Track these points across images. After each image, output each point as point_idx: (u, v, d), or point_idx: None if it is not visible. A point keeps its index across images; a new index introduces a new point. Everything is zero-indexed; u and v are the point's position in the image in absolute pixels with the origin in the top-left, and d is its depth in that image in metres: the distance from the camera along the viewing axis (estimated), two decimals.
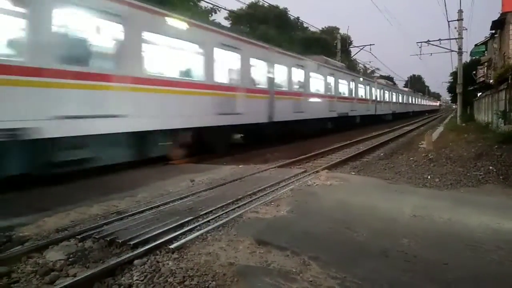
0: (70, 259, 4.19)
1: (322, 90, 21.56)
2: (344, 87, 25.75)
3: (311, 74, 19.88)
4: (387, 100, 40.29)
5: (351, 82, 27.12)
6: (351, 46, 48.75)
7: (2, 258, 4.14)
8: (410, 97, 60.36)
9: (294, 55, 18.42)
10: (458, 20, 28.86)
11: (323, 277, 3.62)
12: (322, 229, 4.92)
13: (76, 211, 5.75)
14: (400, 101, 49.50)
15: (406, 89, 62.18)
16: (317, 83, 21.03)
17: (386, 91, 39.50)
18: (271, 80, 15.66)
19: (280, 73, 16.73)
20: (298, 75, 18.47)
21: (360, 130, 25.88)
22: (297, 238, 4.58)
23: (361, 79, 30.58)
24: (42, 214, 5.57)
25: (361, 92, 30.20)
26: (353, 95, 27.76)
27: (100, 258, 4.21)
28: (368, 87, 32.08)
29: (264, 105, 15.02)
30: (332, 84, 23.38)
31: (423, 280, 3.57)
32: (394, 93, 44.84)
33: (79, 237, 4.69)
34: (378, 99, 35.40)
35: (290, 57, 17.77)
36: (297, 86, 18.46)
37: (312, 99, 19.91)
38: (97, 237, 4.66)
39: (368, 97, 32.10)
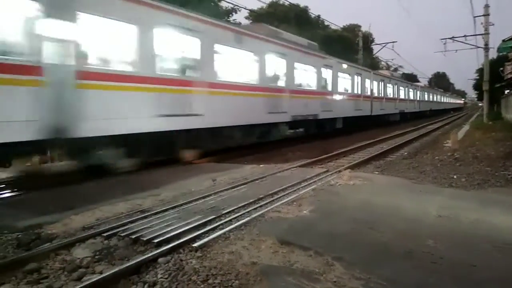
0: (96, 257, 4.28)
1: (252, 79, 12.88)
2: (307, 76, 17.01)
3: (221, 49, 11.29)
4: (391, 96, 31.88)
5: (323, 70, 18.26)
6: (373, 43, 48.03)
7: (32, 255, 4.27)
8: (426, 93, 51.40)
9: None
10: (484, 15, 28.04)
11: (347, 278, 3.58)
12: (345, 229, 4.87)
13: (101, 210, 5.87)
14: (412, 97, 40.64)
15: (421, 83, 52.91)
16: (241, 65, 12.42)
17: (389, 85, 30.94)
18: (53, 50, 7.06)
19: (93, 37, 8.00)
20: (168, 45, 9.71)
21: (383, 129, 25.38)
22: (320, 238, 4.55)
23: (345, 66, 21.31)
24: (69, 212, 5.71)
25: (345, 84, 21.45)
26: (329, 88, 19.10)
27: (125, 256, 4.29)
28: (359, 78, 23.59)
29: (26, 101, 6.68)
30: (282, 70, 14.67)
31: (450, 282, 3.49)
32: (402, 88, 36.01)
33: (104, 235, 4.79)
34: (377, 94, 27.45)
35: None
36: (173, 67, 9.92)
37: (220, 92, 11.17)
38: (122, 235, 4.75)
39: (359, 92, 23.70)
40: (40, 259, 4.19)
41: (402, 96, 35.71)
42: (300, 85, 16.23)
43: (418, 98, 43.72)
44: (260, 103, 13.22)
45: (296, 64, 15.64)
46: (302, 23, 43.04)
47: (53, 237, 4.88)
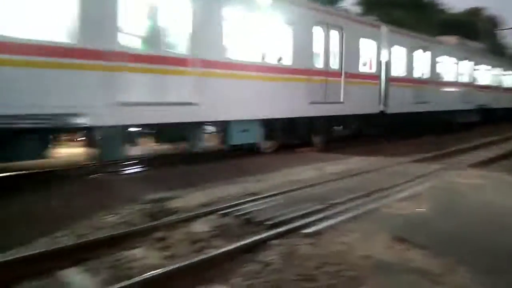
0: (213, 232, 4.58)
1: None
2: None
3: None
4: (453, 80, 18.09)
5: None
6: (500, 28, 42.47)
7: (159, 225, 4.74)
8: None
9: None
10: None
11: (470, 283, 3.30)
12: (467, 231, 4.46)
13: (217, 190, 6.27)
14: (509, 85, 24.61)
15: None
16: None
17: (442, 59, 16.96)
18: None
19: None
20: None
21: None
22: (439, 238, 4.25)
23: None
24: (188, 190, 6.23)
25: (273, 45, 9.66)
26: (186, 50, 7.79)
27: (239, 235, 4.50)
28: (336, 35, 11.27)
29: None
30: None
31: None
32: (484, 67, 21.33)
33: (220, 213, 5.10)
34: (406, 74, 14.67)
35: None
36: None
37: None
38: (235, 214, 5.01)
39: (333, 67, 11.28)
40: (165, 229, 4.63)
41: (482, 81, 20.96)
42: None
43: None
44: None
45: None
46: (417, 7, 40.05)
47: (175, 211, 5.37)
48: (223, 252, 3.80)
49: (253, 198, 5.74)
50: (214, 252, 3.84)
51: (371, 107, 12.79)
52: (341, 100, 11.34)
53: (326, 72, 10.93)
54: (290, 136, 10.62)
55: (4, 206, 5.35)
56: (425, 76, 15.69)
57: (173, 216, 5.12)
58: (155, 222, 4.83)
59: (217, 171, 7.72)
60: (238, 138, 8.98)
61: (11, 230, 4.62)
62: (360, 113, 12.43)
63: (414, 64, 14.99)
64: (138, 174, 8.06)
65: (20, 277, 3.45)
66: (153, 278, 3.24)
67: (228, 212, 5.10)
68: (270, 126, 9.76)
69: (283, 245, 4.04)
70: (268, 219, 4.77)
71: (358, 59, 12.19)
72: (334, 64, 11.27)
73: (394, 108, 13.53)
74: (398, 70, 14.13)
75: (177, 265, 3.49)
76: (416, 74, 15.16)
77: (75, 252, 3.90)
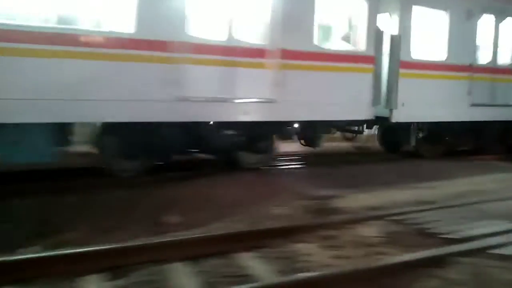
0: (382, 238, 4.29)
1: None
2: None
3: None
4: None
5: None
6: None
7: (325, 222, 4.66)
8: None
9: None
10: None
11: None
12: None
13: (384, 193, 5.94)
14: None
15: None
16: None
17: None
18: None
19: None
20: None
21: None
22: None
23: None
24: (351, 190, 6.01)
25: None
26: None
27: (412, 245, 4.11)
28: None
29: None
30: None
31: None
32: None
33: (389, 219, 4.76)
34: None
35: None
36: None
37: None
38: (407, 222, 4.63)
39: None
40: (331, 228, 4.52)
41: None
42: None
43: None
44: None
45: None
46: None
47: (339, 211, 5.22)
48: (400, 262, 3.51)
49: (428, 207, 5.25)
50: (391, 260, 3.59)
51: (349, 109, 7.42)
52: (271, 96, 6.68)
53: (229, 49, 6.29)
54: (169, 153, 6.75)
55: (180, 188, 5.95)
56: (503, 62, 9.35)
57: (338, 215, 5.00)
58: (323, 220, 4.78)
59: (379, 174, 7.27)
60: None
61: (192, 212, 5.12)
62: (321, 119, 7.35)
63: (475, 41, 8.86)
64: (297, 170, 8.17)
65: (204, 255, 3.77)
66: (326, 276, 3.18)
67: (399, 219, 4.74)
68: (122, 136, 6.10)
69: (470, 264, 3.52)
70: (447, 232, 4.27)
71: (312, 27, 6.94)
72: (252, 35, 6.68)
73: (410, 113, 8.01)
74: (429, 49, 8.55)
75: (352, 268, 3.36)
76: (481, 58, 9.06)
77: (248, 238, 4.10)
